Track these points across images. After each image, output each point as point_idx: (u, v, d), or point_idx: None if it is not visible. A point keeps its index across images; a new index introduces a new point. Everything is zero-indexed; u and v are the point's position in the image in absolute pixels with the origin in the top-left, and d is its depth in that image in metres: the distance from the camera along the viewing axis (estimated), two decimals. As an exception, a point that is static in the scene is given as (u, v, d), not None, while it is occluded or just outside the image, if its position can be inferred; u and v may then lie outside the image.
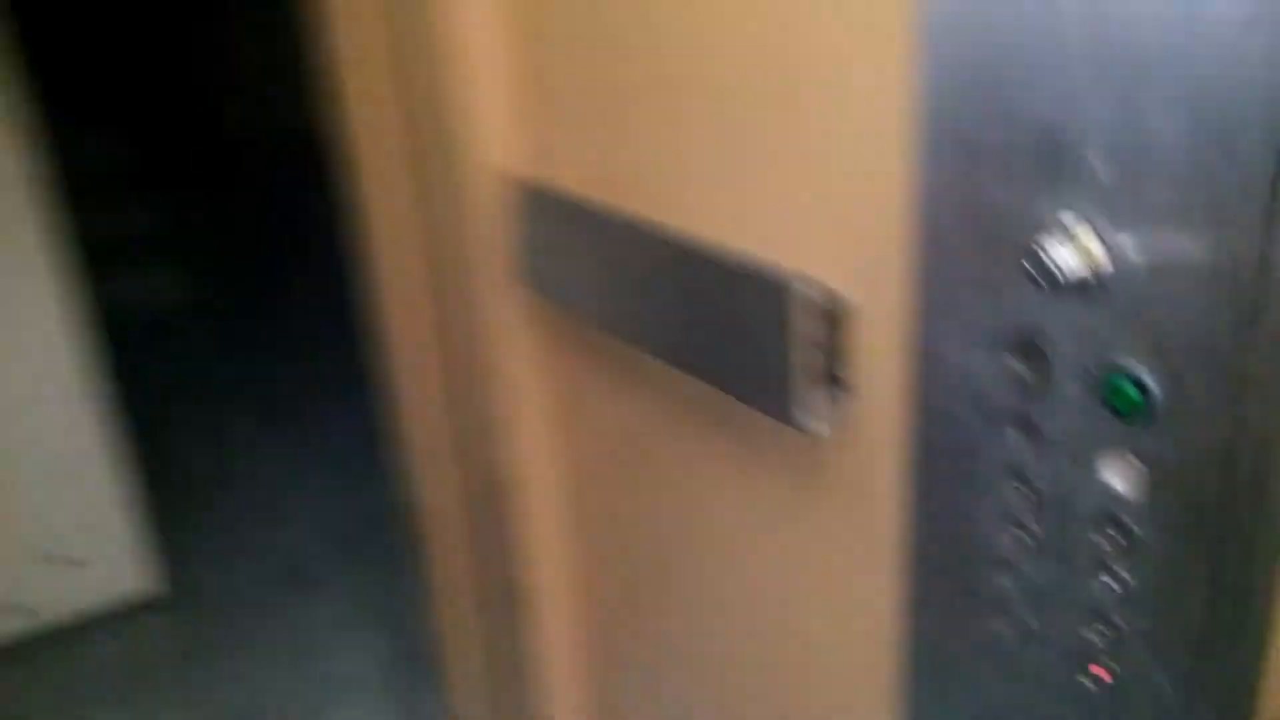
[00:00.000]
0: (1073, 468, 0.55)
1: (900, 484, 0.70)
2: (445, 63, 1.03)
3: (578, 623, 1.23)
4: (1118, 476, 0.53)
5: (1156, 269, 0.48)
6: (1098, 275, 0.50)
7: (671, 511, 1.00)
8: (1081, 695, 0.59)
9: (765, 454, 0.85)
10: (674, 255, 0.85)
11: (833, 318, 0.72)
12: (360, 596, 2.34)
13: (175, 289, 3.82)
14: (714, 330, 0.82)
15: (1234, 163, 0.44)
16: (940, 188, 0.58)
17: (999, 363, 0.57)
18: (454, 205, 1.10)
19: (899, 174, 0.61)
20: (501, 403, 1.12)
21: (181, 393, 3.17)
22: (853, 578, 0.79)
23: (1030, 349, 0.55)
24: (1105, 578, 0.55)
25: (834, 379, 0.73)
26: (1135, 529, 0.53)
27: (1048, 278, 0.50)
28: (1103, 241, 0.50)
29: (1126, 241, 0.49)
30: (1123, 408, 0.51)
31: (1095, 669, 0.58)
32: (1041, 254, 0.51)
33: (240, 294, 3.96)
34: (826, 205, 0.71)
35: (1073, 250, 0.50)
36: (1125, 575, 0.54)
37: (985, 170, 0.54)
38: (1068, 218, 0.51)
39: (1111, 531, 0.54)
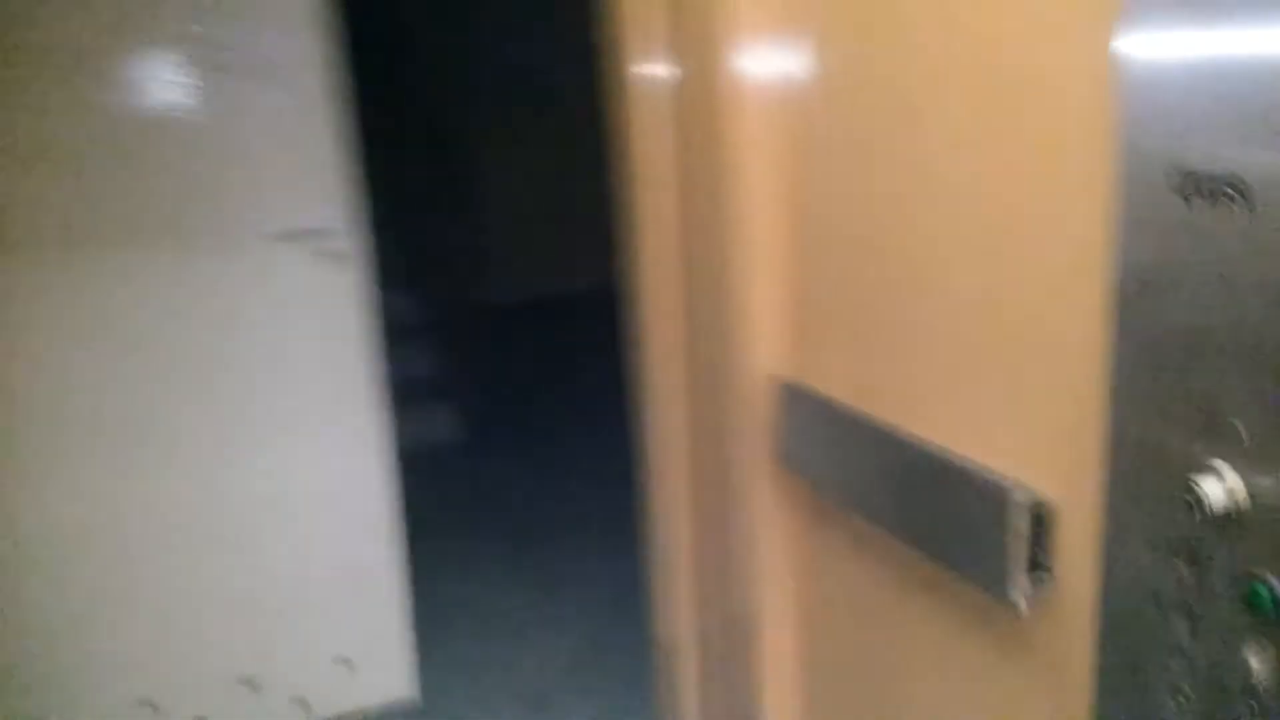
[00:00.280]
0: (1222, 650, 0.74)
1: (1087, 654, 0.89)
2: (732, 278, 1.34)
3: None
4: (1256, 658, 0.71)
5: (1282, 508, 0.69)
6: (1239, 509, 0.71)
7: (890, 659, 1.20)
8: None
9: (973, 622, 1.05)
10: (911, 454, 1.09)
11: (1040, 517, 0.93)
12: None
13: (454, 427, 4.36)
14: (940, 516, 1.04)
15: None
16: (1125, 427, 0.80)
17: (1168, 563, 0.77)
18: (726, 393, 1.39)
19: (1097, 416, 0.84)
20: (752, 557, 1.36)
21: (451, 519, 3.61)
22: (1045, 733, 0.97)
23: (1192, 555, 0.75)
24: (1249, 741, 0.73)
25: (1037, 565, 0.94)
26: (1269, 701, 0.71)
27: (1201, 508, 0.71)
28: (1245, 484, 0.71)
29: (1262, 485, 0.70)
30: (1260, 607, 0.70)
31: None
32: (1197, 489, 0.72)
33: (512, 435, 4.46)
34: (1043, 430, 0.94)
35: (1222, 489, 0.71)
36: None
37: (1161, 420, 0.76)
38: (1219, 464, 0.72)
39: (1252, 702, 0.72)
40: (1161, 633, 0.79)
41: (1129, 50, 0.75)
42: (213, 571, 2.36)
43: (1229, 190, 0.69)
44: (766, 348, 1.32)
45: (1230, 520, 0.72)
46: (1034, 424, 0.94)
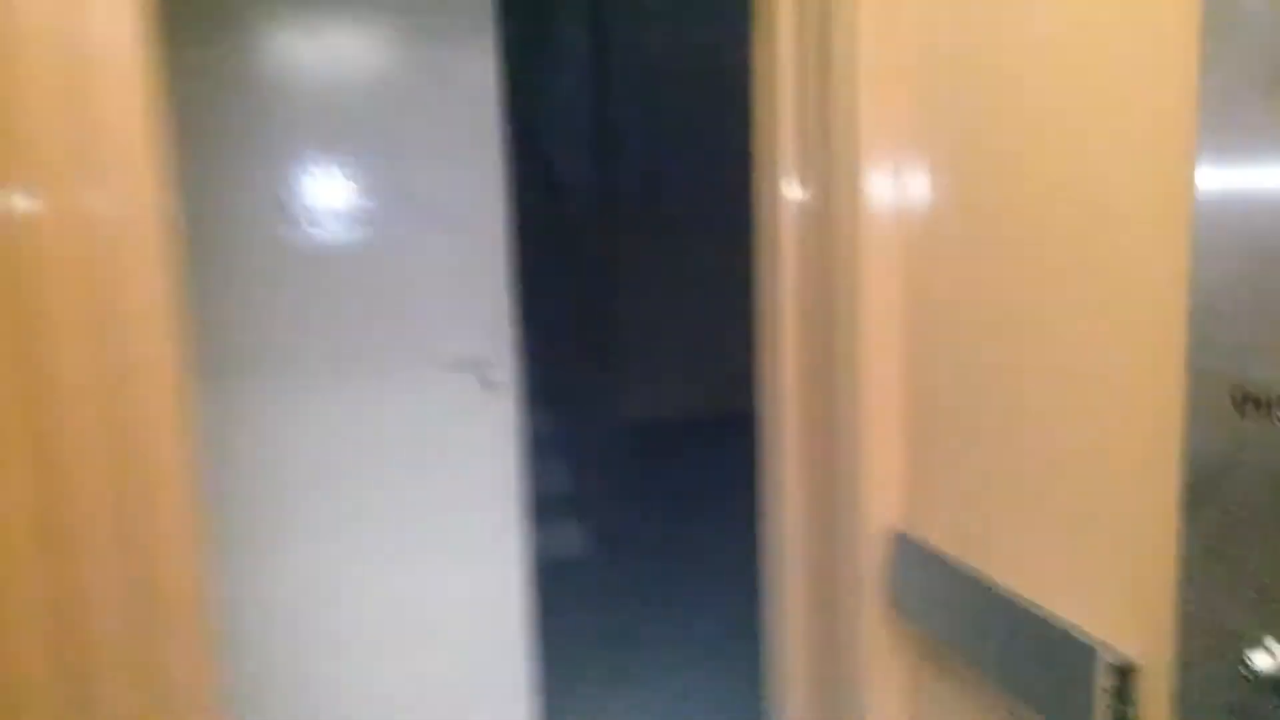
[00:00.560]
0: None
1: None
2: (854, 426, 1.51)
3: None
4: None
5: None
6: (1287, 681, 0.83)
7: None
8: None
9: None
10: (1011, 609, 1.22)
11: (1125, 675, 1.06)
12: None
13: (587, 541, 4.61)
14: (1035, 668, 1.17)
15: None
16: (1194, 602, 0.93)
17: (1237, 714, 0.89)
18: (844, 539, 1.55)
19: (1171, 591, 0.97)
20: (862, 693, 1.49)
21: (582, 631, 3.82)
22: None
23: (1248, 716, 0.87)
24: None
25: (1121, 717, 1.06)
26: None
27: (1254, 676, 0.84)
28: (1293, 660, 0.83)
29: (1308, 663, 0.82)
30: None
31: None
32: (1250, 662, 0.84)
33: (642, 552, 4.67)
34: (1128, 599, 1.06)
35: (1272, 662, 0.84)
36: None
37: (1223, 598, 0.89)
38: (1270, 641, 0.85)
39: None
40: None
41: (1199, 279, 0.92)
42: (365, 666, 2.59)
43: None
44: (882, 497, 1.47)
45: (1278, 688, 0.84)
46: (1120, 593, 1.07)
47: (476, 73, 2.52)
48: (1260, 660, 0.84)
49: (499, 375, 2.61)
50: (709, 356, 5.59)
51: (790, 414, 1.75)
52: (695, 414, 5.74)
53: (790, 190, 1.72)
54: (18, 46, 1.26)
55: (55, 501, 1.33)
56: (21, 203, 1.28)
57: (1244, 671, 0.85)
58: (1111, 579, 1.08)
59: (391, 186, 2.52)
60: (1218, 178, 0.89)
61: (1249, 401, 0.87)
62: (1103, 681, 1.06)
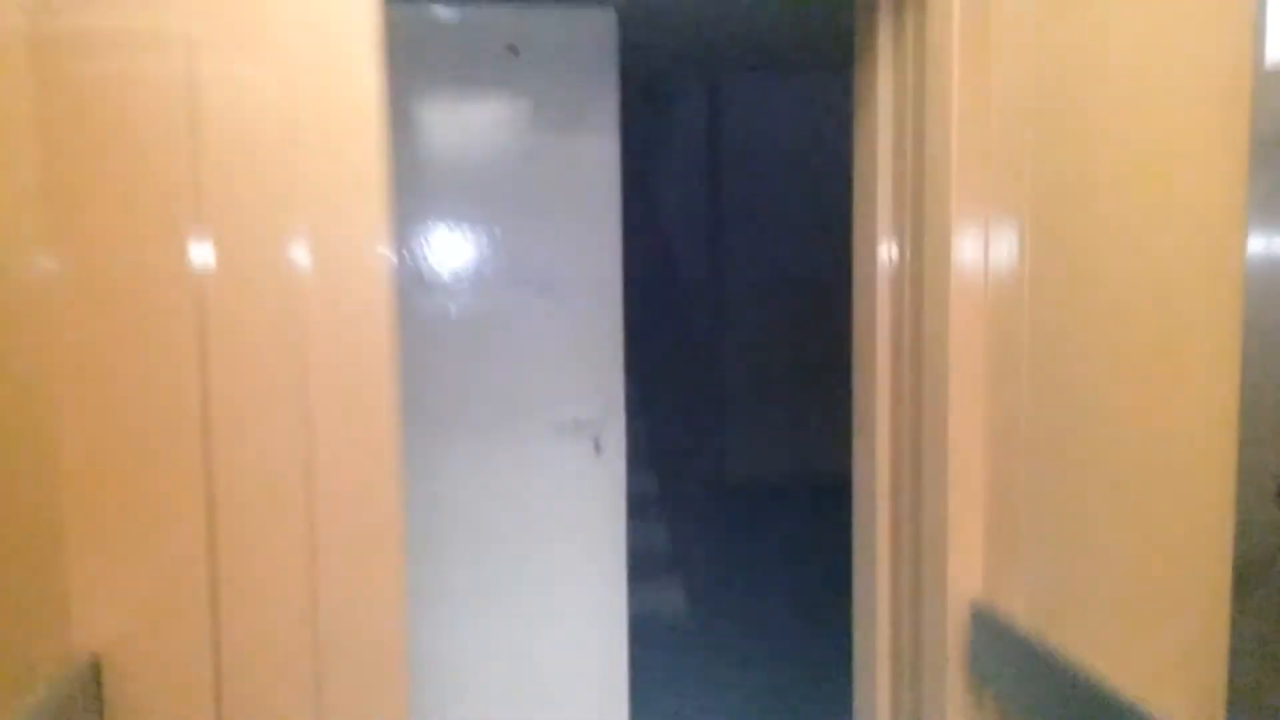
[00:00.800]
0: None
1: None
2: (941, 506, 1.59)
3: None
4: None
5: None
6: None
7: None
8: None
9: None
10: (1080, 682, 1.28)
11: (1184, 751, 1.11)
12: None
13: (682, 598, 4.73)
14: (1100, 739, 1.23)
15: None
16: (1245, 684, 0.99)
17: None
18: (930, 609, 1.62)
19: (1224, 670, 1.03)
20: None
21: (676, 687, 3.92)
22: None
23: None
24: None
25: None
26: None
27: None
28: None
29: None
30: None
31: None
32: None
33: (734, 610, 4.77)
34: (1183, 678, 1.13)
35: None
36: None
37: (1272, 679, 0.96)
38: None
39: None
40: None
41: (1248, 377, 1.00)
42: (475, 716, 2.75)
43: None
44: (964, 567, 1.55)
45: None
46: (1178, 669, 1.14)
47: (600, 155, 2.73)
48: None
49: (609, 438, 2.76)
50: (811, 421, 5.69)
51: (881, 480, 1.84)
52: (796, 478, 5.83)
53: (885, 252, 1.85)
54: (295, 111, 1.47)
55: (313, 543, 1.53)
56: (301, 256, 1.49)
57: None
58: (1170, 656, 1.15)
59: (517, 257, 2.73)
60: (1268, 270, 0.98)
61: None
62: (1164, 755, 1.12)
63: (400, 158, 2.72)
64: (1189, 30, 1.12)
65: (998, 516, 1.53)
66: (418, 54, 2.63)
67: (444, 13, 2.66)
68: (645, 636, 3.19)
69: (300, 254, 1.49)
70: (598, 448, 2.75)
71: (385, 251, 1.52)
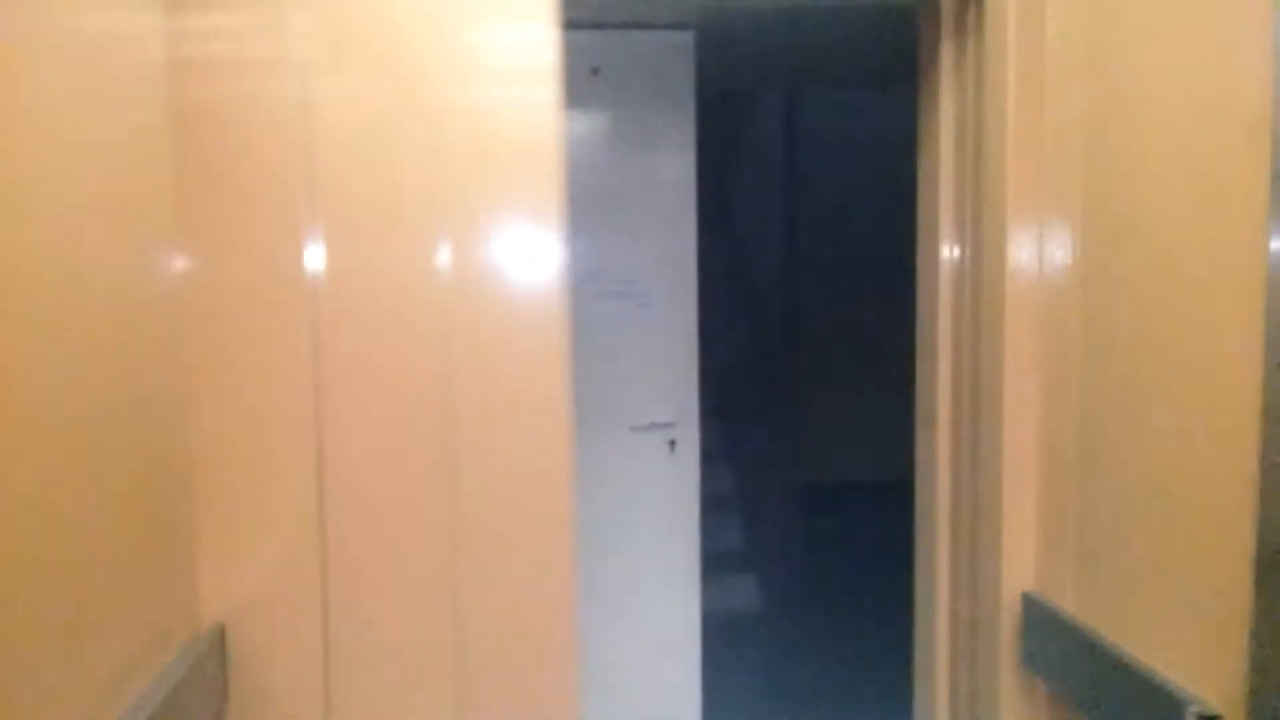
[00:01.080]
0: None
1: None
2: (996, 502, 1.67)
3: None
4: None
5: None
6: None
7: None
8: None
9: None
10: (1124, 667, 1.35)
11: (1212, 724, 1.18)
12: None
13: (754, 597, 4.83)
14: (1135, 714, 1.30)
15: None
16: (1266, 666, 1.06)
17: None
18: (982, 599, 1.70)
19: (1245, 653, 1.10)
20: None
21: (746, 684, 4.01)
22: None
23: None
24: None
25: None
26: None
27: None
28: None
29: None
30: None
31: None
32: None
33: (804, 608, 4.85)
34: (1214, 660, 1.19)
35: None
36: None
37: (1286, 659, 1.03)
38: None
39: None
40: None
41: (1272, 382, 1.07)
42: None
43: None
44: (1018, 560, 1.63)
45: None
46: (1206, 650, 1.20)
47: (677, 169, 2.86)
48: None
49: (684, 439, 2.89)
50: (886, 421, 5.71)
51: (941, 476, 1.92)
52: (868, 477, 5.88)
53: (947, 256, 1.94)
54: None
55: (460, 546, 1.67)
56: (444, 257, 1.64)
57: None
58: (1198, 637, 1.21)
59: (600, 268, 2.87)
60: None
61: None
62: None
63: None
64: (1220, 66, 1.19)
65: (1049, 512, 1.60)
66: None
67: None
68: (719, 633, 3.29)
69: (443, 255, 1.64)
70: (673, 448, 2.87)
71: (560, 247, 1.67)
